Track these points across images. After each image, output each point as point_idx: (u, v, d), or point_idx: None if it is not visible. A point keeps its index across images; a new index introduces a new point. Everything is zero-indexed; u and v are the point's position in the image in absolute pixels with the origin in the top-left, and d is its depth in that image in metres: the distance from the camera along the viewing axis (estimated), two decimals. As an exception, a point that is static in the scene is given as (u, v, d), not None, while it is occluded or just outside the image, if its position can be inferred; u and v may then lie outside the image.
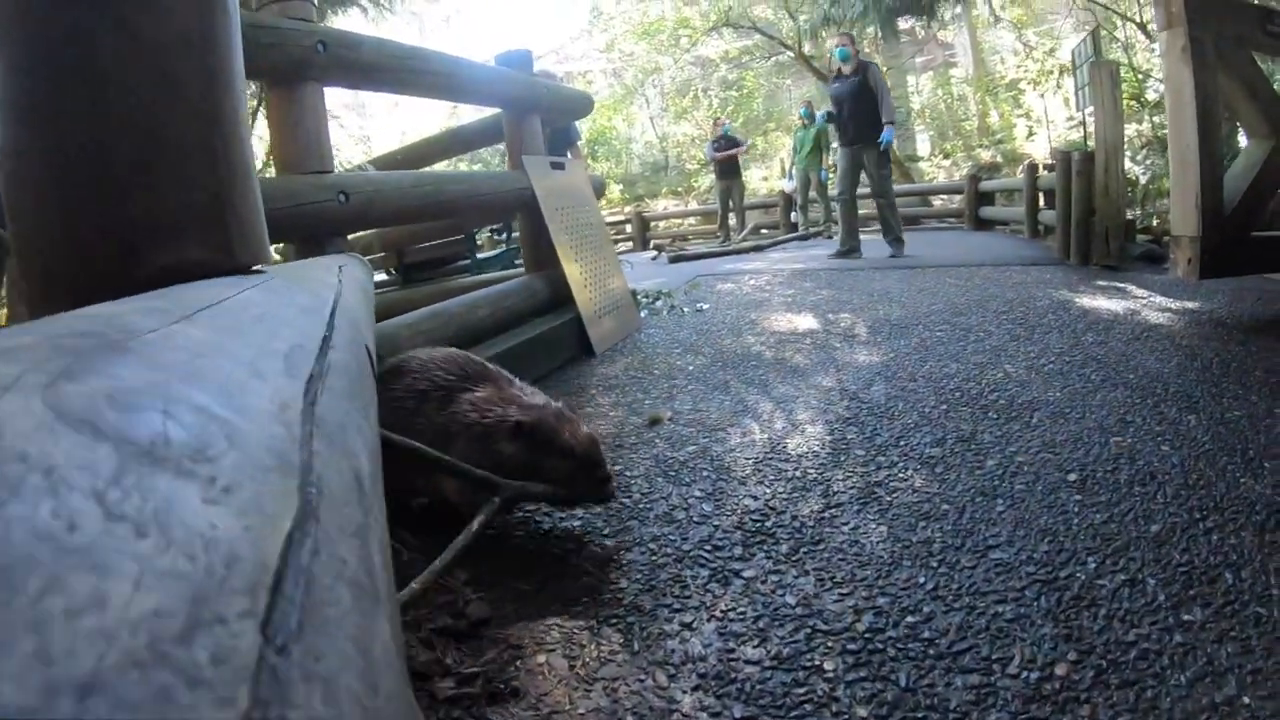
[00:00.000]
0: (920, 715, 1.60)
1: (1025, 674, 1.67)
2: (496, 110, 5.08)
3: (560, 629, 1.99)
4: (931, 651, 1.77)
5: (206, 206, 1.02)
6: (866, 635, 1.85)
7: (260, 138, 10.12)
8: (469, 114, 6.61)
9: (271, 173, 3.53)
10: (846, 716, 1.61)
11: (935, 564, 2.11)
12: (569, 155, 6.38)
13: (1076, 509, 2.34)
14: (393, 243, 6.78)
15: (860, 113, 8.06)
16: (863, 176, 8.33)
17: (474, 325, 3.96)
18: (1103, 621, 1.82)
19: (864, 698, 1.66)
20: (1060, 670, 1.67)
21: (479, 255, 7.52)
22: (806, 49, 19.97)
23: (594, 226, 5.22)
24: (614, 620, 2.02)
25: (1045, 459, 2.68)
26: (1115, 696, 1.59)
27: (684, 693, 1.73)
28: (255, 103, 8.95)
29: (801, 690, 1.69)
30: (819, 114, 10.48)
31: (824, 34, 18.31)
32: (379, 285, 7.50)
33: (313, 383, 0.62)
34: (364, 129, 22.50)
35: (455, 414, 2.42)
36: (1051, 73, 18.36)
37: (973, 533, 2.24)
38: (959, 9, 19.23)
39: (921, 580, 2.04)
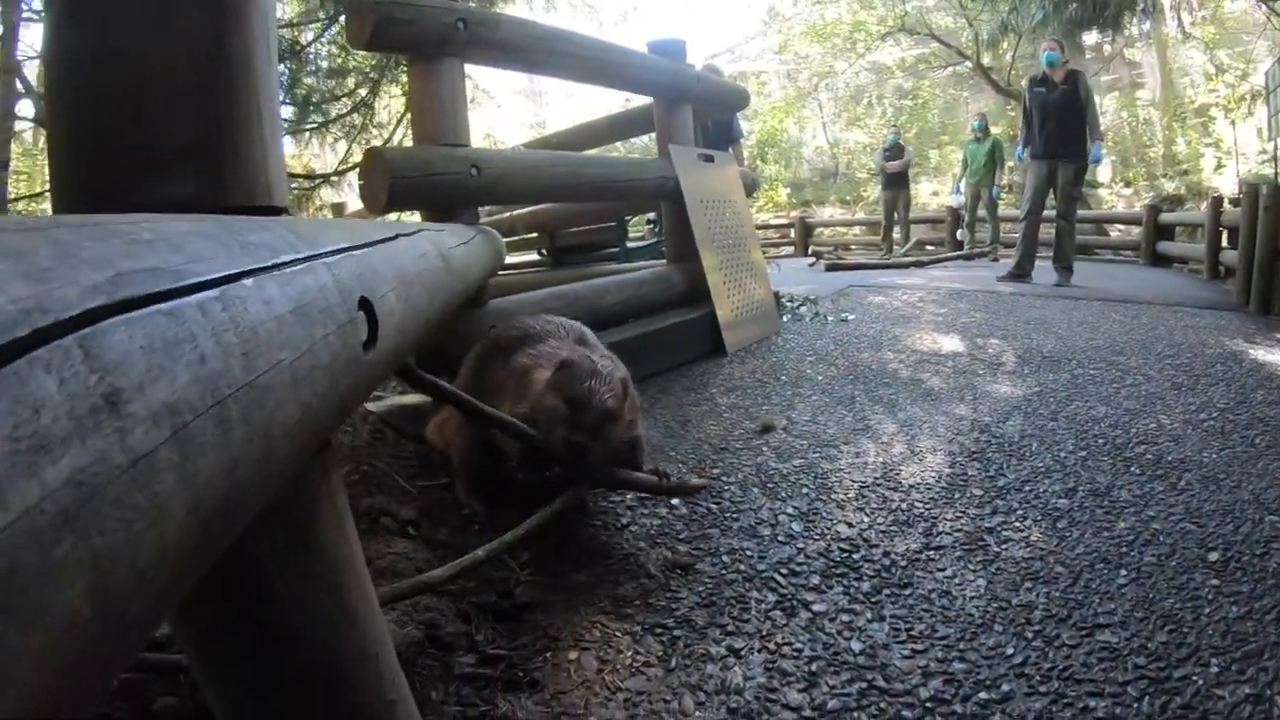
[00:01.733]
0: (959, 821, 1.32)
1: None
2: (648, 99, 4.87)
3: (602, 628, 1.82)
4: (997, 743, 1.48)
5: (201, 144, 0.97)
6: (928, 704, 1.56)
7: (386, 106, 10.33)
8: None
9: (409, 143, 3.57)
10: (872, 798, 1.36)
11: (1030, 635, 1.78)
12: (730, 151, 6.12)
13: (1210, 596, 1.93)
14: (542, 225, 6.76)
15: (1065, 124, 7.19)
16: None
17: (601, 310, 3.83)
18: (1213, 743, 1.46)
19: (902, 781, 1.39)
20: None
21: (629, 244, 7.42)
22: (985, 60, 18.52)
23: (741, 224, 4.96)
24: (659, 630, 1.82)
25: (1186, 530, 2.26)
26: None
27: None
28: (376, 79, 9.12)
29: (836, 755, 1.45)
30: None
31: (1004, 45, 17.01)
32: (531, 265, 7.56)
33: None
34: (539, 115, 22.89)
35: (527, 355, 2.37)
36: (1244, 98, 16.48)
37: (1083, 605, 1.89)
38: (1147, 25, 17.30)
39: (1009, 652, 1.72)
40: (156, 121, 0.94)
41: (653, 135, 4.84)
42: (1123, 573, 2.02)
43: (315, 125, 9.37)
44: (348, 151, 10.01)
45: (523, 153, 3.81)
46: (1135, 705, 1.55)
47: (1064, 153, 7.19)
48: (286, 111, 8.85)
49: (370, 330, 0.99)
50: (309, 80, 8.98)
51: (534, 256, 7.78)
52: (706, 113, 6.09)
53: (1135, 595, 1.92)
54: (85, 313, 0.42)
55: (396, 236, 1.37)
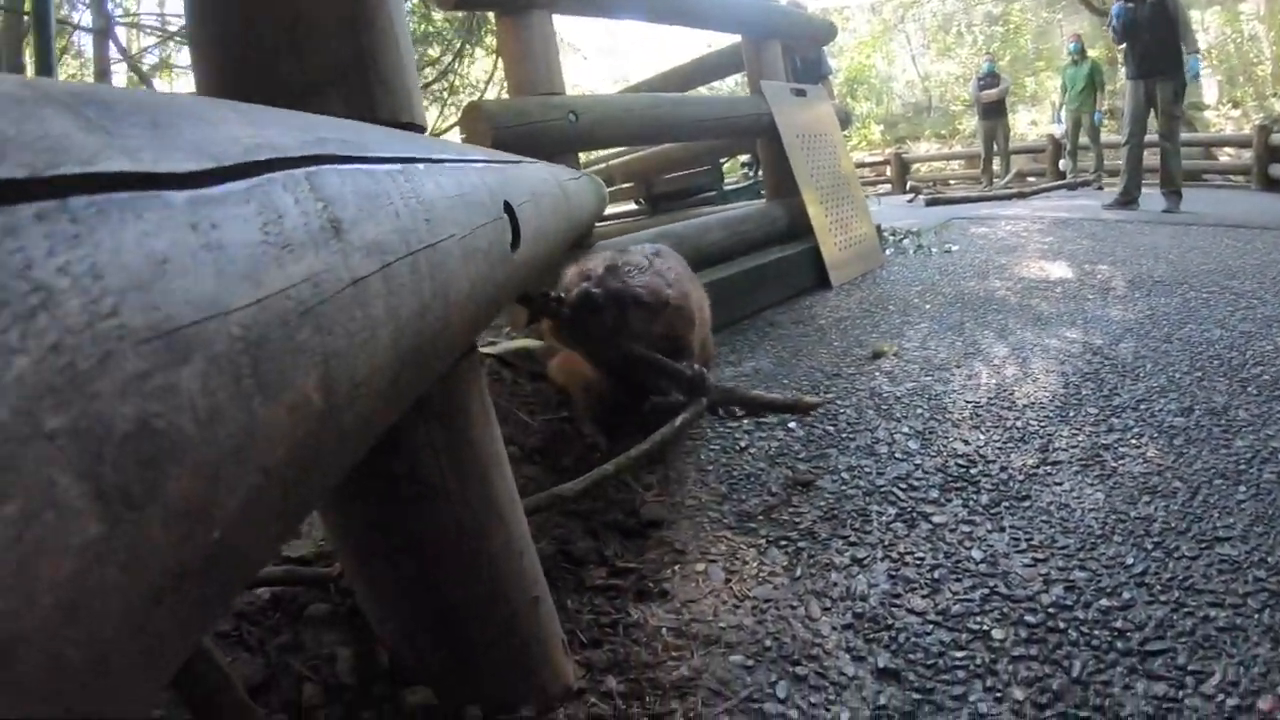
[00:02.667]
0: (1084, 715, 1.30)
1: (1221, 698, 1.31)
2: (736, 39, 4.78)
3: (728, 542, 1.86)
4: (1119, 645, 1.44)
5: (348, 68, 1.01)
6: (1050, 610, 1.55)
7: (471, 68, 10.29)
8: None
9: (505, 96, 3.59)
10: (1000, 695, 1.35)
11: (1150, 546, 1.73)
12: (821, 89, 5.95)
13: None
14: (638, 173, 6.73)
15: (1157, 40, 6.68)
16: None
17: (705, 248, 3.83)
18: (1340, 656, 1.40)
19: (1026, 679, 1.38)
20: (1265, 705, 1.29)
21: (726, 188, 7.33)
22: (1078, -22, 17.32)
23: (837, 157, 4.84)
24: (784, 543, 1.85)
25: None
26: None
27: (833, 629, 1.54)
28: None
29: (959, 654, 1.45)
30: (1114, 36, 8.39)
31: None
32: (628, 215, 7.54)
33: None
34: (622, 71, 22.51)
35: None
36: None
37: (1202, 519, 1.82)
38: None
39: (1129, 562, 1.68)
40: (310, 49, 0.98)
41: (739, 78, 4.75)
42: (1241, 488, 1.93)
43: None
44: (439, 117, 10.10)
45: (618, 96, 3.81)
46: (1256, 616, 1.48)
47: (1159, 71, 6.71)
48: None
49: (514, 232, 1.05)
50: None
51: (631, 206, 7.77)
52: (794, 50, 5.93)
53: (1255, 511, 1.83)
54: (306, 156, 0.48)
55: (522, 161, 1.43)
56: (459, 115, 3.24)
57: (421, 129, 1.13)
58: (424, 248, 0.64)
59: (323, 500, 0.62)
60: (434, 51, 9.51)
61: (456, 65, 9.52)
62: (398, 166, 0.65)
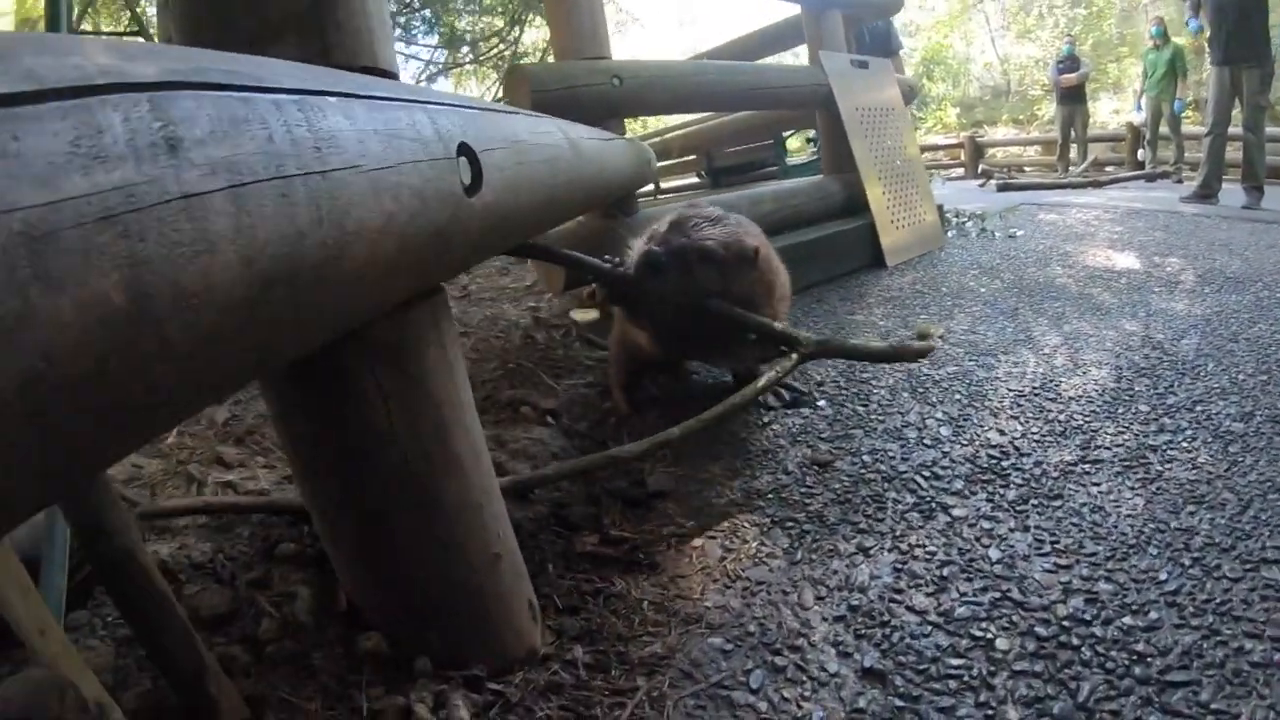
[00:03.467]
0: (1083, 747, 1.14)
1: None
2: (795, 11, 4.55)
3: (731, 519, 1.74)
4: (1136, 671, 1.26)
5: (304, 14, 1.01)
6: (1065, 623, 1.38)
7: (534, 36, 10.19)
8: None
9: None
10: (992, 713, 1.20)
11: (1188, 562, 1.53)
12: (888, 62, 5.67)
13: None
14: (698, 146, 6.56)
15: (1245, 24, 6.14)
16: None
17: (757, 219, 3.67)
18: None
19: (1025, 698, 1.22)
20: None
21: (789, 163, 7.09)
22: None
23: (900, 132, 4.59)
24: (789, 524, 1.72)
25: None
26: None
27: (824, 620, 1.41)
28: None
29: (956, 662, 1.29)
30: (1190, 22, 7.68)
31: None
32: (690, 188, 7.38)
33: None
34: (693, 44, 22.10)
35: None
36: None
37: (1250, 536, 1.61)
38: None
39: (1162, 577, 1.49)
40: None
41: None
42: (1301, 506, 1.72)
43: (468, 61, 9.48)
44: (496, 82, 10.10)
45: (665, 61, 3.66)
46: None
47: (1246, 57, 6.18)
48: (441, 55, 9.04)
49: (474, 176, 1.01)
50: (458, 22, 9.06)
51: (693, 179, 7.61)
52: (859, 21, 5.65)
53: (1313, 533, 1.63)
54: (159, 83, 0.51)
55: (516, 113, 1.40)
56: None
57: (386, 73, 1.09)
58: (305, 174, 0.63)
59: (171, 421, 0.60)
60: (499, 21, 9.47)
61: (517, 33, 9.47)
62: (291, 97, 0.66)
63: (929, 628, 1.38)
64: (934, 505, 1.77)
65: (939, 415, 2.22)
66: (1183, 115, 9.98)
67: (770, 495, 1.84)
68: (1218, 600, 1.42)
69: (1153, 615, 1.39)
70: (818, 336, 2.01)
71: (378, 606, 1.24)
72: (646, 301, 1.99)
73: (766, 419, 2.23)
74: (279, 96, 0.64)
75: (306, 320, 0.68)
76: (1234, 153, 6.78)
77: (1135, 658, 1.29)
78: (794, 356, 1.97)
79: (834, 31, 4.36)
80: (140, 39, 6.62)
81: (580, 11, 2.99)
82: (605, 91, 2.91)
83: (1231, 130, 6.55)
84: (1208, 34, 6.62)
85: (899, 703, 1.22)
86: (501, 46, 9.31)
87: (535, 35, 9.98)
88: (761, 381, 1.91)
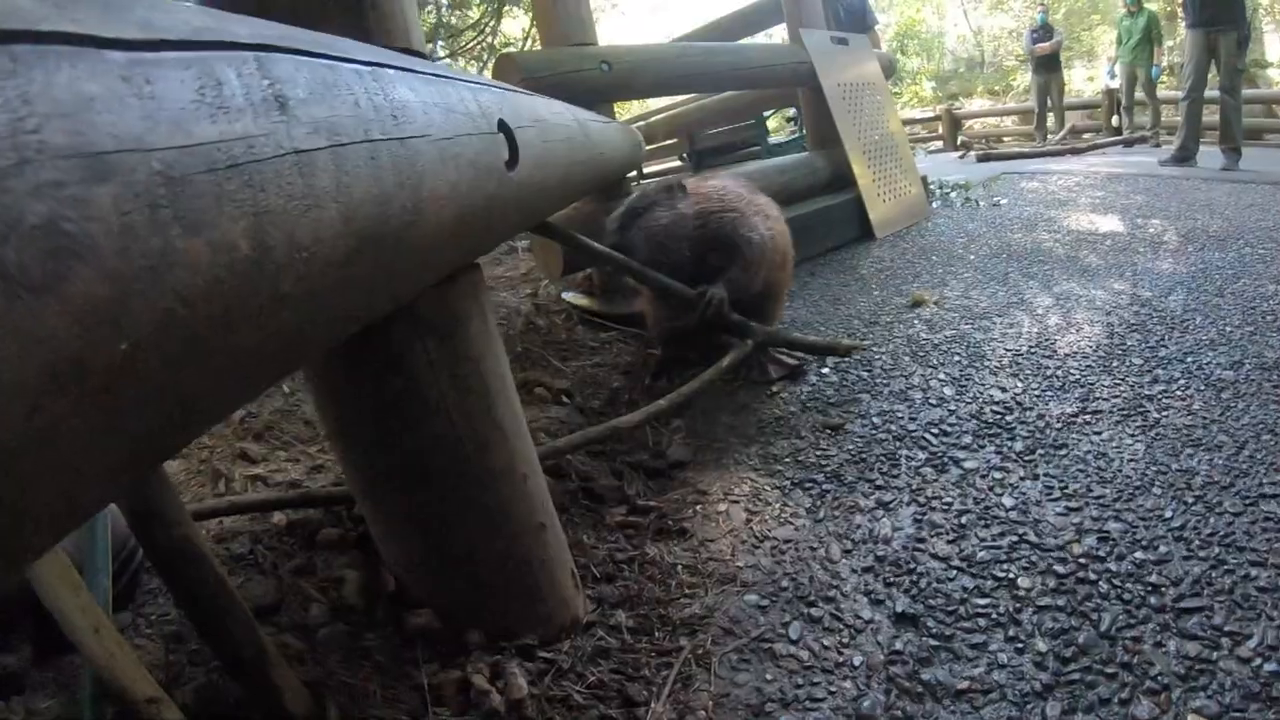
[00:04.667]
0: (1109, 672, 1.20)
1: (1258, 662, 1.19)
2: None
3: (752, 483, 1.80)
4: (1152, 600, 1.34)
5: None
6: (1081, 560, 1.45)
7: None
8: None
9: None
10: (1022, 645, 1.27)
11: (1191, 499, 1.61)
12: (865, 36, 5.71)
13: None
14: (681, 128, 6.57)
15: None
16: None
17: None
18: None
19: (1051, 630, 1.29)
20: None
21: (771, 142, 7.12)
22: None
23: (881, 106, 4.65)
24: (809, 485, 1.78)
25: None
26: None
27: (853, 572, 1.47)
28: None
29: (982, 601, 1.36)
30: None
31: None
32: (673, 171, 7.39)
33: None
34: (665, 29, 22.03)
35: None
36: None
37: (1248, 474, 1.68)
38: None
39: (1168, 515, 1.57)
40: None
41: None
42: (1294, 445, 1.80)
43: (446, 55, 9.44)
44: (480, 72, 10.06)
45: (651, 45, 3.71)
46: None
47: (1222, 20, 6.23)
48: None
49: (511, 151, 1.04)
50: (431, 18, 9.00)
51: (675, 162, 7.63)
52: (838, 1, 5.70)
53: (1306, 469, 1.70)
54: (258, 44, 0.52)
55: (535, 95, 1.46)
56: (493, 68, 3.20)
57: (419, 54, 1.11)
58: (388, 139, 0.65)
59: (282, 374, 0.63)
60: (474, 13, 9.42)
61: (495, 24, 9.43)
62: (366, 68, 0.68)
63: (954, 572, 1.44)
64: (946, 459, 1.84)
65: (941, 376, 2.28)
66: (1158, 80, 10.07)
67: (787, 459, 1.90)
68: (1221, 533, 1.49)
69: (1162, 549, 1.46)
70: (766, 329, 2.33)
71: (427, 582, 1.27)
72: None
73: (776, 388, 2.29)
74: (357, 66, 0.66)
75: (386, 282, 0.71)
76: (1210, 116, 6.87)
77: (1150, 589, 1.36)
78: (749, 344, 2.26)
79: (813, 9, 4.41)
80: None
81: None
82: (594, 77, 2.95)
83: (1207, 94, 6.63)
84: None
85: (934, 642, 1.29)
86: (481, 38, 9.27)
87: (513, 26, 9.95)
88: (725, 363, 2.16)
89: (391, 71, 0.73)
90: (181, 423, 0.45)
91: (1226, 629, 1.27)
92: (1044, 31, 11.34)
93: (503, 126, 1.00)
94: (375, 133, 0.63)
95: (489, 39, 9.22)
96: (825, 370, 2.37)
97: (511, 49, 9.44)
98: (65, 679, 1.11)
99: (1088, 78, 19.28)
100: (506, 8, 9.23)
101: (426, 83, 0.81)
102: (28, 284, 0.29)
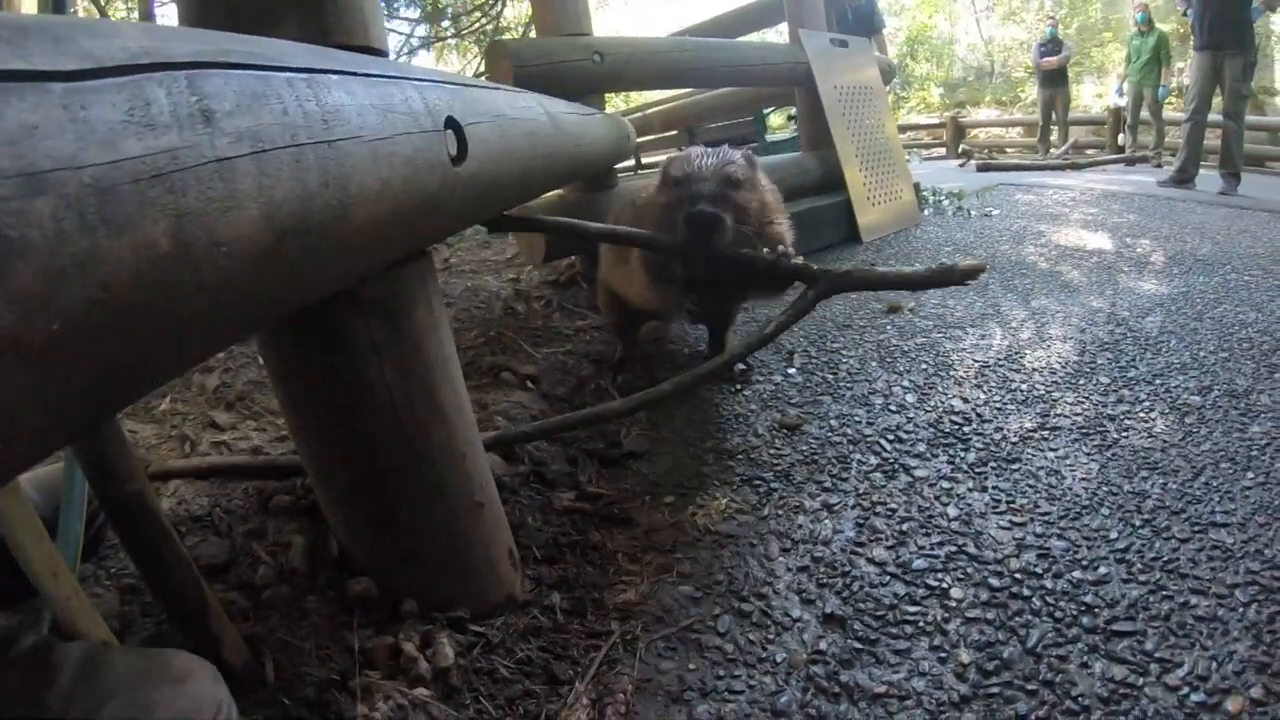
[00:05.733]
0: (1030, 689, 1.22)
1: (1186, 691, 1.21)
2: None
3: (702, 478, 1.82)
4: (1084, 620, 1.36)
5: None
6: (1017, 575, 1.47)
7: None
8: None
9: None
10: (945, 655, 1.29)
11: (1139, 522, 1.63)
12: (870, 41, 5.71)
13: None
14: (678, 122, 6.57)
15: (1228, 10, 6.16)
16: None
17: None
18: (1320, 665, 1.28)
19: (977, 642, 1.31)
20: (1232, 705, 1.18)
21: (769, 139, 7.13)
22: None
23: (878, 111, 4.66)
24: (758, 482, 1.80)
25: None
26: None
27: (788, 570, 1.50)
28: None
29: (912, 609, 1.39)
30: (1181, 4, 7.65)
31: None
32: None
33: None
34: (679, 21, 21.92)
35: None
36: None
37: (1201, 500, 1.71)
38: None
39: (1113, 536, 1.59)
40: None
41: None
42: (1249, 475, 1.80)
43: (450, 35, 9.39)
44: (477, 56, 10.00)
45: (644, 38, 3.70)
46: (1241, 610, 1.37)
47: (1228, 43, 6.21)
48: (421, 29, 8.99)
49: (460, 146, 1.07)
50: None
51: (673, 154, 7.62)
52: (846, 1, 5.70)
53: (1259, 500, 1.71)
54: (192, 62, 0.58)
55: (498, 89, 1.47)
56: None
57: (378, 52, 1.15)
58: (315, 142, 0.71)
59: (208, 351, 0.70)
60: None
61: (500, 9, 9.40)
62: (301, 75, 0.73)
63: (888, 578, 1.47)
64: (897, 466, 1.86)
65: (905, 384, 2.30)
66: (1165, 101, 10.09)
67: (740, 455, 1.92)
68: (1165, 558, 1.51)
69: (1102, 570, 1.48)
70: (834, 271, 1.86)
71: (368, 551, 1.31)
72: (688, 260, 1.91)
73: (739, 386, 2.31)
74: (291, 74, 0.71)
75: (314, 271, 0.75)
76: (1212, 139, 6.89)
77: (1083, 608, 1.39)
78: (809, 293, 1.84)
79: (815, 9, 4.41)
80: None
81: (562, -12, 3.01)
82: (586, 67, 2.95)
83: (1211, 117, 6.64)
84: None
85: (857, 645, 1.31)
86: (484, 21, 9.23)
87: (517, 11, 9.90)
88: (784, 318, 1.84)
89: (333, 77, 0.79)
90: (106, 391, 0.51)
91: (1157, 655, 1.28)
92: (1052, 45, 11.35)
93: (451, 123, 1.03)
94: (302, 137, 0.69)
95: (494, 22, 9.19)
96: (791, 370, 2.40)
97: (512, 34, 9.42)
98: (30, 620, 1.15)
99: (1097, 94, 19.28)
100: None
101: (368, 85, 0.85)
102: None
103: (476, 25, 9.17)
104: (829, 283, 1.83)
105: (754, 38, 7.20)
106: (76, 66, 0.46)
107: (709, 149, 1.96)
